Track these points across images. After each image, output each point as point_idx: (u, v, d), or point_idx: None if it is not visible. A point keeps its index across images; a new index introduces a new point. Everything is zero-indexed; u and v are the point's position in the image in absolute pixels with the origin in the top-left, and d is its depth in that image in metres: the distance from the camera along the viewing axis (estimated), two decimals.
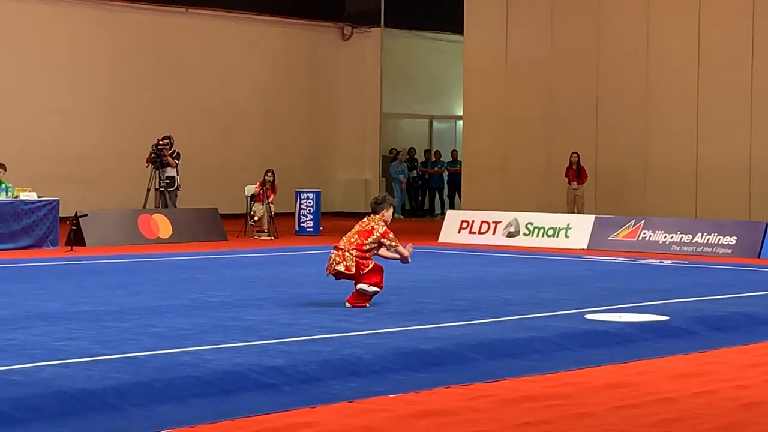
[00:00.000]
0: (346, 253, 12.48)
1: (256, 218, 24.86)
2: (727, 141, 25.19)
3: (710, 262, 19.87)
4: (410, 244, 13.15)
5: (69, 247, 20.71)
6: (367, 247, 12.54)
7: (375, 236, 12.55)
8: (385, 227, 12.62)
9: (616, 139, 26.69)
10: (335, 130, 34.68)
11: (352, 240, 12.57)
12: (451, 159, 34.68)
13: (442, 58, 35.41)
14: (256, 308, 12.52)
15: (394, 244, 12.65)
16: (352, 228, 12.81)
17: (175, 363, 8.95)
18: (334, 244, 12.76)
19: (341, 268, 12.49)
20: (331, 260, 12.59)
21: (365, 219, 12.83)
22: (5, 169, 21.49)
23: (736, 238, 21.33)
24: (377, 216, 12.72)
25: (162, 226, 23.22)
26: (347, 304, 12.53)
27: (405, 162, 34.35)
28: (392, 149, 34.36)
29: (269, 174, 25.09)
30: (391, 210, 12.87)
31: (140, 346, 9.76)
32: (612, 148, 26.75)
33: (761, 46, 24.86)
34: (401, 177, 33.78)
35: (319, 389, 8.45)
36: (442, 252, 21.52)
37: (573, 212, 25.34)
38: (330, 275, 12.71)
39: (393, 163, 34.05)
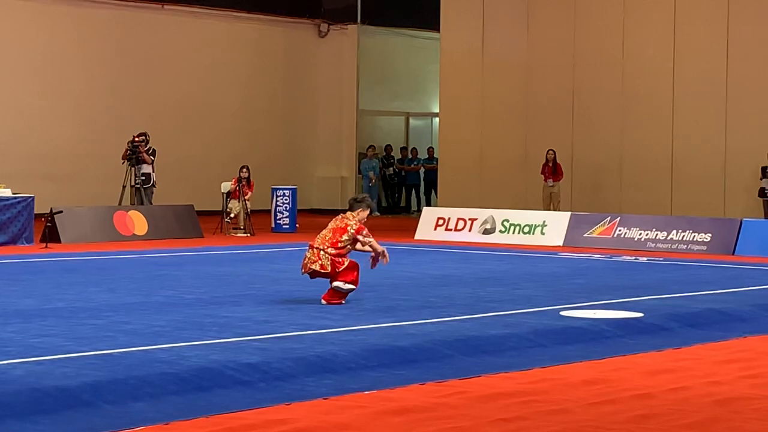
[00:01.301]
0: (321, 252, 12.47)
1: (232, 215, 24.82)
2: (702, 138, 25.31)
3: (685, 259, 19.95)
4: (385, 258, 12.94)
5: (44, 244, 20.62)
6: (342, 244, 12.54)
7: (350, 233, 12.55)
8: (358, 225, 12.62)
9: (592, 136, 26.79)
10: (312, 127, 34.66)
11: (327, 238, 12.56)
12: (427, 156, 34.71)
13: (418, 55, 35.43)
14: (231, 305, 12.51)
15: (369, 239, 12.65)
16: (327, 225, 12.81)
17: (150, 360, 8.94)
18: (309, 243, 12.75)
19: (316, 267, 12.48)
20: (306, 259, 12.58)
21: (340, 216, 12.83)
22: None
23: (710, 235, 21.42)
24: (353, 213, 12.72)
25: (138, 222, 23.16)
26: (323, 302, 12.53)
27: (376, 159, 34.29)
28: (370, 146, 34.36)
29: (244, 170, 25.06)
30: (367, 212, 12.84)
31: (115, 343, 9.74)
32: (588, 145, 26.84)
33: (736, 42, 24.98)
34: (371, 174, 33.69)
35: (294, 386, 8.45)
36: (419, 249, 21.54)
37: (549, 209, 25.42)
38: (305, 274, 12.70)
39: (364, 160, 34.03)
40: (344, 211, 12.91)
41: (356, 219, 12.68)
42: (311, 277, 12.70)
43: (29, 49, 29.22)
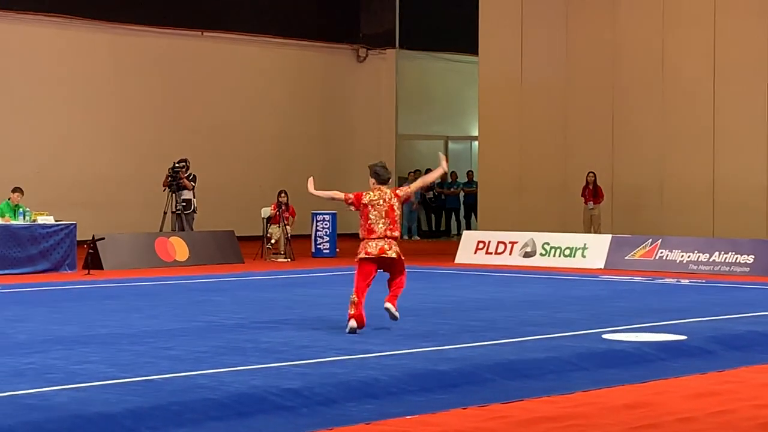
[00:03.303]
0: (393, 243, 12.34)
1: (272, 240, 24.88)
2: (743, 159, 25.12)
3: (728, 281, 19.80)
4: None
5: (86, 271, 20.76)
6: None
7: (397, 203, 12.43)
8: (400, 191, 12.59)
9: (632, 158, 26.65)
10: (351, 152, 34.71)
11: (387, 223, 12.31)
12: (466, 179, 34.67)
13: (457, 79, 35.45)
14: (272, 330, 12.52)
15: (407, 189, 12.72)
16: (367, 215, 12.44)
17: (191, 386, 8.96)
18: (372, 236, 12.34)
19: (393, 254, 12.28)
20: (379, 246, 12.28)
21: (376, 196, 12.53)
22: (22, 193, 21.56)
23: (753, 256, 21.26)
24: (381, 186, 12.55)
25: (179, 249, 23.26)
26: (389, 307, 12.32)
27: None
28: (415, 170, 34.28)
29: (282, 195, 25.14)
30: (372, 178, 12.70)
31: (157, 369, 9.77)
32: (628, 168, 26.70)
33: None
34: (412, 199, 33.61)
35: (336, 411, 8.44)
36: (459, 273, 21.50)
37: (589, 232, 25.30)
38: (372, 258, 12.29)
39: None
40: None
41: (389, 190, 12.53)
42: (378, 267, 12.34)
43: (69, 76, 29.47)
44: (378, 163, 12.90)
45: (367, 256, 12.27)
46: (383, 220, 12.37)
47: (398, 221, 12.47)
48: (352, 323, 12.16)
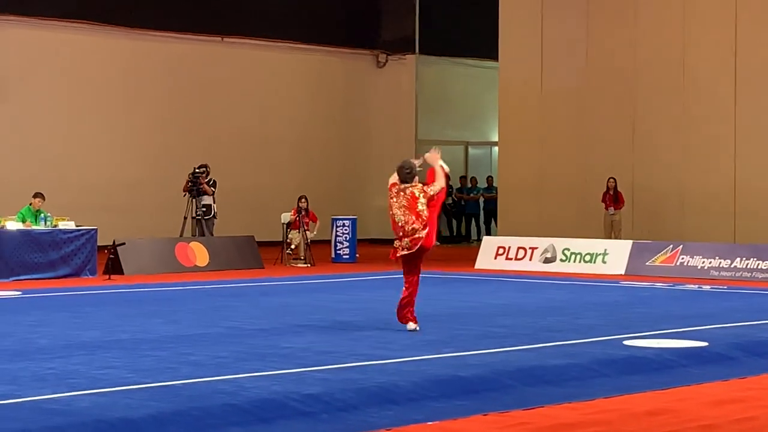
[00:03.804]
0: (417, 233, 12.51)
1: (292, 246, 24.91)
2: (764, 163, 25.01)
3: (749, 287, 19.71)
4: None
5: (107, 276, 20.81)
6: (424, 211, 12.63)
7: (422, 200, 12.68)
8: (420, 187, 12.73)
9: (653, 164, 26.58)
10: (370, 157, 34.73)
11: (412, 218, 12.57)
12: (486, 185, 34.65)
13: (476, 84, 35.42)
14: (293, 336, 12.53)
15: (433, 188, 12.75)
16: (394, 214, 12.72)
17: (212, 391, 8.97)
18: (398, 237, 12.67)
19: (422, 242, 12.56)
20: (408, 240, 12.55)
21: (399, 194, 12.77)
22: (44, 198, 21.63)
23: None
24: (408, 184, 12.79)
25: (199, 254, 23.30)
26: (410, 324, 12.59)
27: None
28: None
29: (303, 200, 25.16)
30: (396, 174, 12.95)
31: (178, 374, 9.78)
32: (649, 173, 26.62)
33: None
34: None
35: (357, 417, 8.44)
36: (479, 278, 21.48)
37: (610, 237, 25.22)
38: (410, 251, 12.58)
39: None
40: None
41: (413, 185, 12.76)
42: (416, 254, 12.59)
43: (89, 82, 29.58)
44: (402, 164, 13.02)
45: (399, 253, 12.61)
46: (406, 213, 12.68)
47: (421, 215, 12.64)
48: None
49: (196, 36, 31.25)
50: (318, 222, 25.44)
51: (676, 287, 19.64)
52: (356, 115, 34.59)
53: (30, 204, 21.53)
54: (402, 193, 12.74)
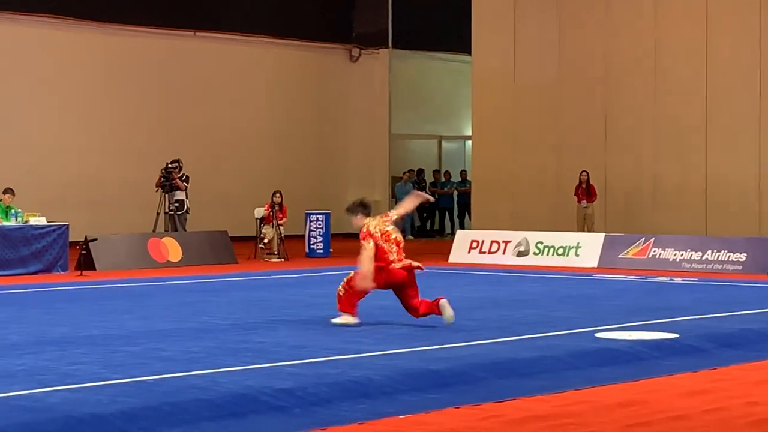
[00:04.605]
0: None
1: (266, 241, 24.87)
2: (736, 157, 25.15)
3: (720, 279, 19.82)
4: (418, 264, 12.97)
5: (79, 272, 20.74)
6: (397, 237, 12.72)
7: (389, 227, 12.72)
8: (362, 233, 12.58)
9: (625, 157, 26.67)
10: (344, 152, 34.72)
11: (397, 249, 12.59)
12: (460, 179, 34.68)
13: (450, 78, 35.46)
14: (266, 330, 12.51)
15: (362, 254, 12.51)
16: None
17: (184, 386, 8.95)
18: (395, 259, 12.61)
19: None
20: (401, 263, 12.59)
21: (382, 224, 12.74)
22: (14, 194, 21.52)
23: (746, 254, 21.28)
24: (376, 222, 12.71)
25: (172, 249, 23.24)
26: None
27: (411, 182, 34.29)
28: (408, 170, 34.28)
29: (277, 195, 25.12)
30: (358, 217, 12.72)
31: (150, 370, 9.76)
32: (621, 166, 26.73)
33: None
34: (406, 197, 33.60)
35: (329, 411, 8.44)
36: (452, 272, 21.50)
37: (583, 231, 25.31)
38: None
39: (398, 183, 34.03)
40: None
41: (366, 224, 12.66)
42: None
43: (61, 77, 29.44)
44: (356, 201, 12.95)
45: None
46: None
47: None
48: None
49: (169, 31, 31.14)
50: (285, 217, 25.26)
51: (648, 280, 19.72)
52: (329, 109, 34.56)
53: (0, 200, 21.42)
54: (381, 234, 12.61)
